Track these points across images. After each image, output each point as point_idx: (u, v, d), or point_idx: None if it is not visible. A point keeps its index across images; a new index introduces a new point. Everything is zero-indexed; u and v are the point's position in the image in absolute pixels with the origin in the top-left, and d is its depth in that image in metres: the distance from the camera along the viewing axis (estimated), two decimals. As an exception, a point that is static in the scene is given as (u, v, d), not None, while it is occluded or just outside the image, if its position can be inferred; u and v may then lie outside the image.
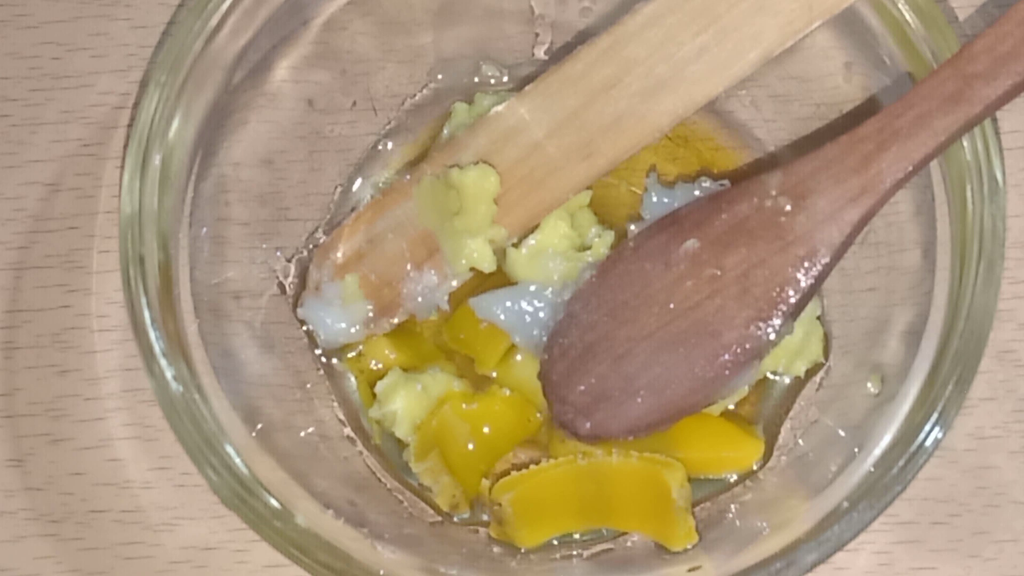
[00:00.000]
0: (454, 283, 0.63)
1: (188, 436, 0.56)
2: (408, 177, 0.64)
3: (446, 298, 0.63)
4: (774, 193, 0.58)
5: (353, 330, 0.64)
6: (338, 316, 0.64)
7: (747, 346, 0.58)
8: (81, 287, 0.66)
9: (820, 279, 0.58)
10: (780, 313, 0.58)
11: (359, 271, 0.64)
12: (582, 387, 0.60)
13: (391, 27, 0.66)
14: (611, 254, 0.62)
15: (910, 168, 0.56)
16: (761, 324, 0.58)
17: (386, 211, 0.64)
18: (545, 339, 0.62)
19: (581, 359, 0.60)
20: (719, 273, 0.58)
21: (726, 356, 0.59)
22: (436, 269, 0.63)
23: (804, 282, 0.58)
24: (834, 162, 0.57)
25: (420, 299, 0.63)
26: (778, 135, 0.66)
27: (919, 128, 0.55)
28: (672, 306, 0.59)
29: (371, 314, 0.64)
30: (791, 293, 0.58)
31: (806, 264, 0.58)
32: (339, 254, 0.64)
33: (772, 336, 0.58)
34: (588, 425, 0.60)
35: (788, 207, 0.57)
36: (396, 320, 0.64)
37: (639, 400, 0.60)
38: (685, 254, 0.59)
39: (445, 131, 0.66)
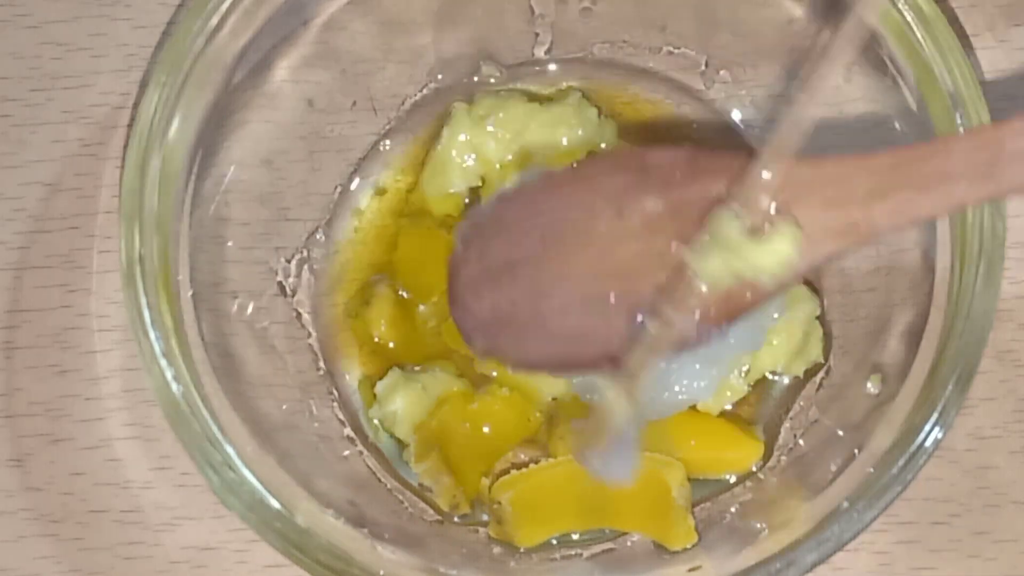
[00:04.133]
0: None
1: (188, 436, 0.56)
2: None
3: None
4: (759, 189, 0.51)
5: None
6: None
7: (672, 336, 0.52)
8: (81, 287, 0.66)
9: (767, 298, 0.52)
10: (716, 318, 0.52)
11: None
12: (490, 302, 0.55)
13: (391, 27, 0.66)
14: (564, 170, 0.56)
15: (909, 221, 0.51)
16: (693, 321, 0.52)
17: None
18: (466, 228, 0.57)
19: (498, 273, 0.55)
20: (671, 247, 0.52)
21: (645, 335, 0.53)
22: None
23: (750, 296, 0.51)
24: (833, 183, 0.50)
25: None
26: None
27: (936, 185, 0.49)
28: (610, 258, 0.53)
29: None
30: (736, 302, 0.52)
31: (761, 278, 0.51)
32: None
33: (701, 336, 0.52)
34: (484, 343, 0.56)
35: (769, 209, 0.51)
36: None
37: (544, 343, 0.55)
38: (642, 210, 0.53)
39: (445, 131, 0.66)
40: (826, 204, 0.50)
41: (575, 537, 0.64)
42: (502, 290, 0.55)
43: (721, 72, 0.67)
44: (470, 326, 0.56)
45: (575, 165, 0.57)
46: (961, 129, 0.57)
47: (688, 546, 0.62)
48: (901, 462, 0.56)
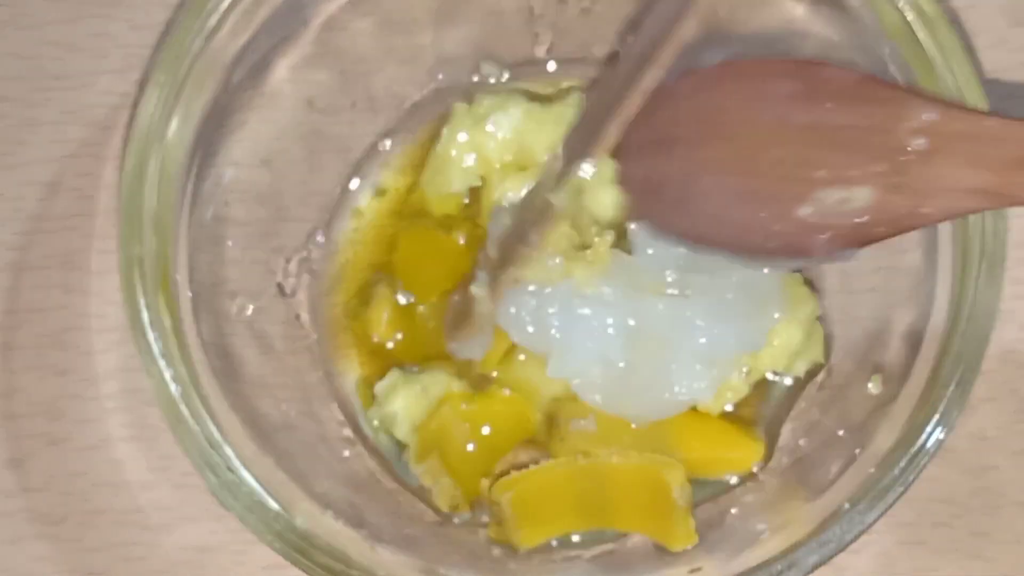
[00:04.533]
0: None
1: (187, 437, 0.56)
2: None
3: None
4: (914, 125, 0.52)
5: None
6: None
7: (796, 244, 0.55)
8: (80, 287, 0.66)
9: (899, 233, 0.54)
10: (845, 240, 0.54)
11: None
12: (645, 168, 0.59)
13: (391, 27, 0.66)
14: (741, 62, 0.58)
15: None
16: (825, 238, 0.55)
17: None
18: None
19: (657, 145, 0.58)
20: (812, 167, 0.54)
21: (778, 239, 0.56)
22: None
23: (886, 230, 0.53)
24: (986, 142, 0.50)
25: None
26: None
27: None
28: (763, 158, 0.55)
29: None
30: (870, 233, 0.54)
31: (901, 222, 0.53)
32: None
33: (827, 253, 0.55)
34: (634, 203, 0.60)
35: (920, 144, 0.52)
36: None
37: (684, 219, 0.58)
38: (795, 120, 0.55)
39: (445, 131, 0.66)
40: (972, 161, 0.51)
41: (575, 538, 0.64)
42: (657, 161, 0.58)
43: (722, 72, 0.67)
44: (627, 184, 0.59)
45: (752, 61, 0.58)
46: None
47: (689, 547, 0.62)
48: (903, 463, 0.56)
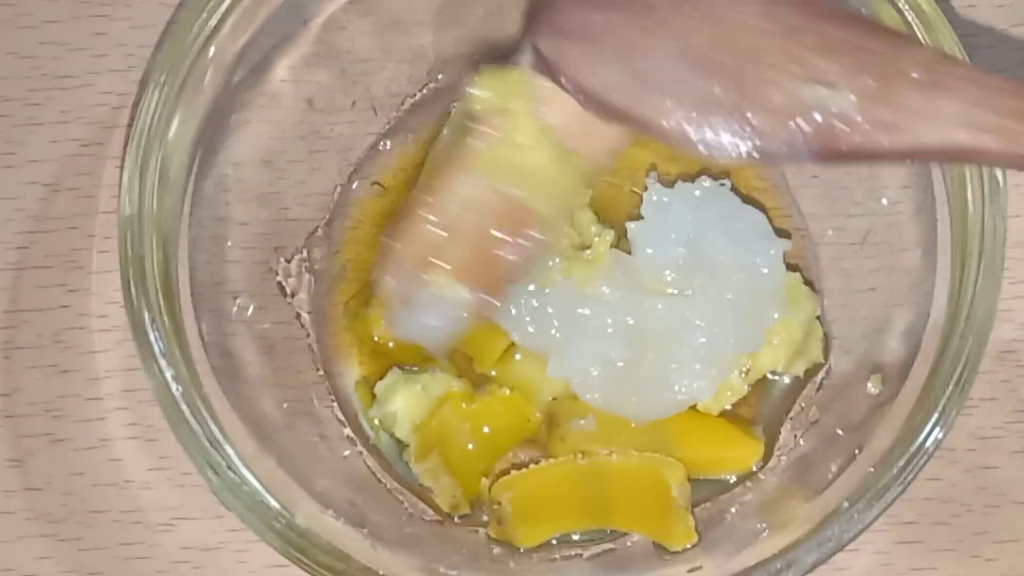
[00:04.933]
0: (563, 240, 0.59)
1: (188, 437, 0.56)
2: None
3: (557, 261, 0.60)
4: (917, 58, 0.50)
5: (461, 321, 0.57)
6: (441, 315, 0.57)
7: (750, 130, 0.50)
8: (81, 287, 0.66)
9: (876, 159, 0.51)
10: (817, 144, 0.50)
11: (446, 263, 0.56)
12: (581, 10, 0.52)
13: (391, 27, 0.66)
14: None
15: None
16: (784, 131, 0.50)
17: (450, 194, 0.55)
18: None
19: None
20: (797, 63, 0.50)
21: (730, 121, 0.50)
22: (535, 231, 0.56)
23: (863, 141, 0.50)
24: (992, 91, 0.49)
25: (525, 265, 0.57)
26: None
27: None
28: (743, 40, 0.51)
29: (472, 297, 0.56)
30: (846, 139, 0.50)
31: (887, 137, 0.49)
32: (412, 258, 0.56)
33: (781, 150, 0.50)
34: (551, 48, 0.52)
35: (915, 76, 0.49)
36: (499, 301, 0.58)
37: (618, 76, 0.51)
38: (791, 21, 0.51)
39: (445, 131, 0.66)
40: (971, 100, 0.49)
41: (575, 537, 0.64)
42: (609, 10, 0.52)
43: (721, 72, 0.67)
44: (545, 29, 0.52)
45: None
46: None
47: (688, 546, 0.62)
48: (902, 462, 0.56)
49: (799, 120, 0.50)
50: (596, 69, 0.52)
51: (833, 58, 0.51)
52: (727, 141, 0.51)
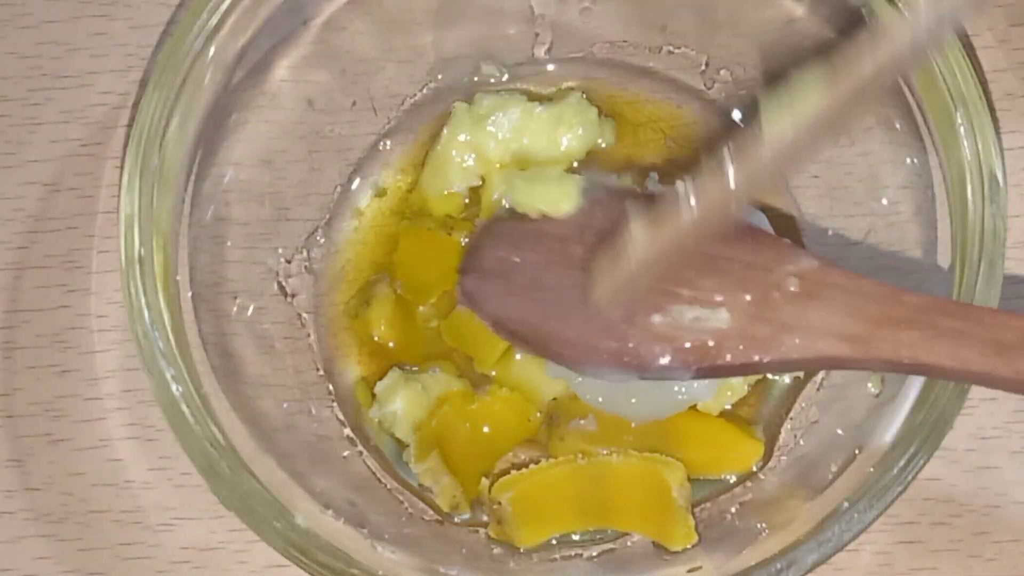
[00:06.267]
0: None
1: (188, 437, 0.56)
2: None
3: None
4: (791, 268, 0.54)
5: None
6: None
7: (633, 352, 0.55)
8: (81, 287, 0.66)
9: (750, 372, 0.55)
10: (692, 363, 0.55)
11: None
12: (498, 255, 0.60)
13: (391, 27, 0.66)
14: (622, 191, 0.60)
15: (923, 364, 0.52)
16: (664, 351, 0.55)
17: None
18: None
19: (524, 237, 0.59)
20: (678, 283, 0.55)
21: (615, 344, 0.55)
22: None
23: (734, 358, 0.54)
24: (862, 298, 0.53)
25: None
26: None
27: (952, 343, 0.51)
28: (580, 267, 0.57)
29: None
30: (718, 357, 0.54)
31: (757, 353, 0.54)
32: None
33: (661, 368, 0.55)
34: (470, 287, 0.60)
35: (792, 289, 0.54)
36: None
37: (528, 310, 0.58)
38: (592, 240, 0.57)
39: (445, 131, 0.66)
40: (843, 310, 0.53)
41: (575, 537, 0.64)
42: (515, 251, 0.59)
43: (721, 72, 0.67)
44: (469, 275, 0.60)
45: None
46: (962, 129, 0.57)
47: (688, 546, 0.62)
48: (901, 462, 0.55)
49: (679, 343, 0.54)
50: (503, 303, 0.59)
51: (717, 277, 0.54)
52: (613, 366, 0.56)
